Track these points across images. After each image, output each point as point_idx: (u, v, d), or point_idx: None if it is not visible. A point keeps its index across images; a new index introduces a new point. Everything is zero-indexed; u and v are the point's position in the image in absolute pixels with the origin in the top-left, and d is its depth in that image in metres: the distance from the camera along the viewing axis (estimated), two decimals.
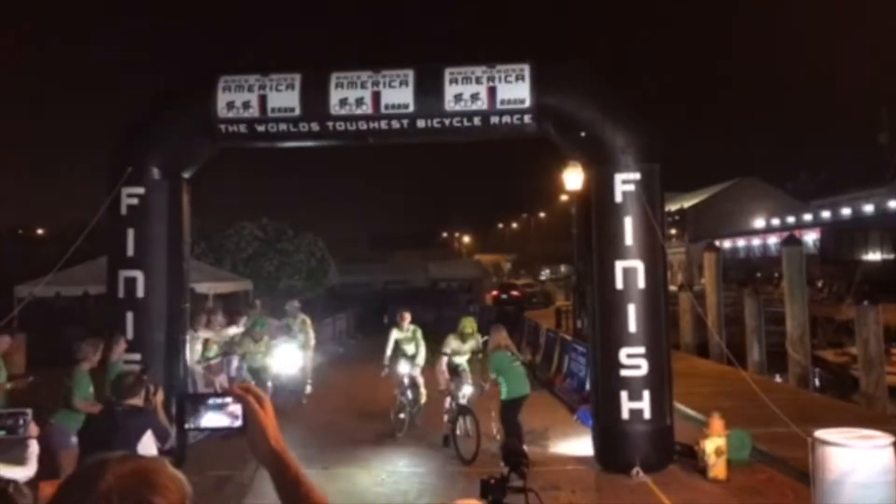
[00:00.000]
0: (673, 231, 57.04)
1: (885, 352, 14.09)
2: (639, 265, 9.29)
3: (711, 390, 13.44)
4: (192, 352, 11.67)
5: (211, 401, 1.68)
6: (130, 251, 9.83)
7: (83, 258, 15.52)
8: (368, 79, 9.62)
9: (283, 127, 9.78)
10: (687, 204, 63.23)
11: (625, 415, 9.12)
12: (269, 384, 12.49)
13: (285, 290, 26.29)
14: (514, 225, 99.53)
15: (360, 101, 9.57)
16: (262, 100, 9.67)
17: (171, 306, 9.98)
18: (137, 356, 9.23)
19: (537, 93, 9.48)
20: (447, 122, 9.63)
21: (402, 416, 11.27)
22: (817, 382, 17.40)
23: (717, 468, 8.64)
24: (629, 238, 9.32)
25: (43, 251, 24.58)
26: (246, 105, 9.68)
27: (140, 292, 9.78)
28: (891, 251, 40.90)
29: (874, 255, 42.12)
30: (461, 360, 10.94)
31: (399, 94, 9.56)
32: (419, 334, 11.86)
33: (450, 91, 9.52)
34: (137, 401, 5.73)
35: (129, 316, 9.69)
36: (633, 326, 9.21)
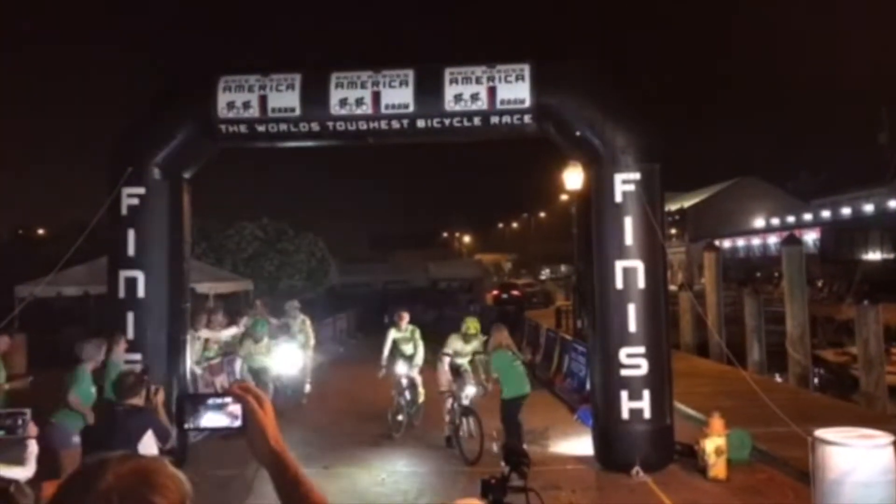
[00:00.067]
0: (673, 231, 57.04)
1: (885, 351, 14.10)
2: (639, 265, 9.29)
3: (711, 390, 13.44)
4: (193, 352, 11.68)
5: (210, 401, 1.68)
6: (131, 251, 9.84)
7: (83, 258, 15.52)
8: (368, 79, 9.63)
9: (283, 127, 9.79)
10: (687, 204, 63.24)
11: (625, 414, 9.12)
12: (271, 386, 12.47)
13: (286, 290, 26.29)
14: (515, 225, 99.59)
15: (360, 101, 9.58)
16: (263, 100, 9.67)
17: (171, 306, 9.99)
18: (138, 356, 9.23)
19: (537, 93, 9.48)
20: (447, 122, 9.63)
21: (399, 418, 11.19)
22: (817, 382, 17.40)
23: (718, 468, 8.64)
24: (629, 238, 9.32)
25: (43, 251, 24.59)
26: (246, 105, 9.69)
27: (140, 292, 9.78)
28: (891, 251, 40.88)
29: (874, 255, 42.10)
30: (463, 361, 10.84)
31: (399, 94, 9.57)
32: (417, 334, 11.83)
33: (450, 91, 9.53)
34: (138, 400, 5.74)
35: (130, 316, 9.70)
36: (633, 326, 9.21)
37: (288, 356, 13.36)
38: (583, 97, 9.74)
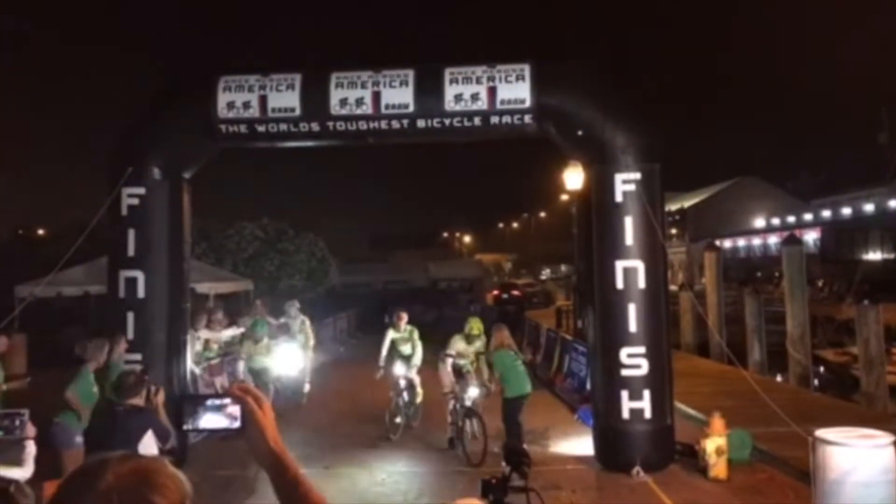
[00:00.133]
0: (673, 231, 57.04)
1: (885, 351, 14.09)
2: (639, 265, 9.29)
3: (712, 390, 13.43)
4: (192, 352, 11.67)
5: (210, 402, 1.68)
6: (131, 251, 9.84)
7: (83, 258, 15.52)
8: (369, 79, 9.62)
9: (283, 127, 9.79)
10: (687, 203, 63.23)
11: (625, 414, 9.12)
12: (271, 387, 12.45)
13: (286, 290, 26.30)
14: (515, 224, 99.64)
15: (360, 101, 9.58)
16: (263, 100, 9.67)
17: (171, 306, 9.99)
18: (138, 356, 9.23)
19: (537, 93, 9.48)
20: (447, 122, 9.63)
21: (398, 420, 11.09)
22: (817, 382, 17.39)
23: (718, 468, 8.64)
24: (629, 238, 9.32)
25: (43, 251, 24.58)
26: (246, 105, 9.69)
27: (141, 292, 9.78)
28: (891, 251, 40.88)
29: (874, 255, 42.11)
30: (466, 362, 10.73)
31: (399, 94, 9.56)
32: (416, 335, 11.76)
33: (450, 91, 9.53)
34: (138, 400, 5.74)
35: (130, 316, 9.70)
36: (633, 326, 9.21)
37: (288, 356, 13.33)
38: (583, 97, 9.74)
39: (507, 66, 9.61)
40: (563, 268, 70.91)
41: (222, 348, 14.13)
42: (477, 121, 9.62)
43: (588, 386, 11.48)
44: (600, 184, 9.63)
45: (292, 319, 14.50)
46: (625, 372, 9.17)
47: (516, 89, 9.49)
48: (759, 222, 60.85)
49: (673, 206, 57.87)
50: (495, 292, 44.86)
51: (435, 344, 11.62)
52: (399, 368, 11.34)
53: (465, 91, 9.51)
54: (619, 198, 9.39)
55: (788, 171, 73.27)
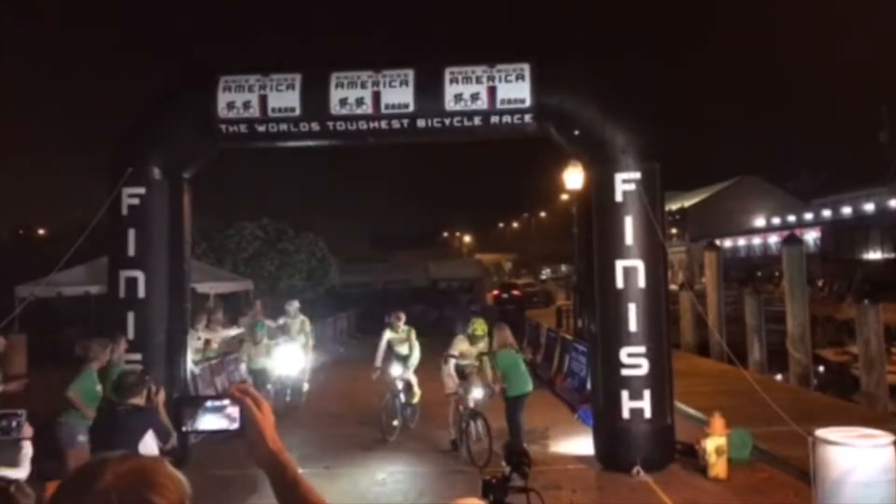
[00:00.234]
0: (673, 230, 57.02)
1: (885, 351, 14.09)
2: (639, 264, 9.29)
3: (712, 389, 13.44)
4: (192, 352, 11.67)
5: (208, 403, 1.68)
6: (131, 251, 9.84)
7: (84, 258, 15.53)
8: (368, 79, 9.62)
9: (283, 127, 9.78)
10: (687, 203, 63.23)
11: (625, 414, 9.12)
12: (270, 388, 12.44)
13: (286, 290, 26.33)
14: (515, 224, 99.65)
15: (360, 101, 9.58)
16: (263, 100, 9.67)
17: (171, 306, 9.99)
18: (138, 356, 9.23)
19: (537, 92, 9.48)
20: (447, 121, 9.63)
21: (395, 423, 11.00)
22: (818, 381, 17.39)
23: (718, 467, 8.64)
24: (630, 237, 9.32)
25: (43, 251, 24.59)
26: (246, 105, 9.69)
27: (141, 292, 9.78)
28: (891, 250, 40.86)
29: (875, 254, 42.10)
30: (469, 363, 10.54)
31: (399, 93, 9.56)
32: (413, 335, 11.65)
33: (450, 91, 9.53)
34: (139, 400, 5.75)
35: (130, 316, 9.70)
36: (633, 326, 9.21)
37: (288, 357, 13.31)
38: (583, 97, 9.74)
39: (506, 65, 9.61)
40: (564, 267, 70.92)
41: (222, 348, 14.13)
42: (477, 120, 9.62)
43: (588, 386, 11.47)
44: (600, 183, 9.63)
45: (292, 319, 14.45)
46: (625, 371, 9.17)
47: (516, 89, 9.49)
48: (760, 222, 60.85)
49: (673, 206, 57.87)
50: (495, 292, 44.86)
51: (436, 345, 11.58)
52: (396, 369, 11.23)
53: (465, 91, 9.51)
54: (619, 197, 9.39)
55: (789, 171, 73.21)
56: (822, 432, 6.80)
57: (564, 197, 26.60)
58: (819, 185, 64.62)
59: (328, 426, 12.05)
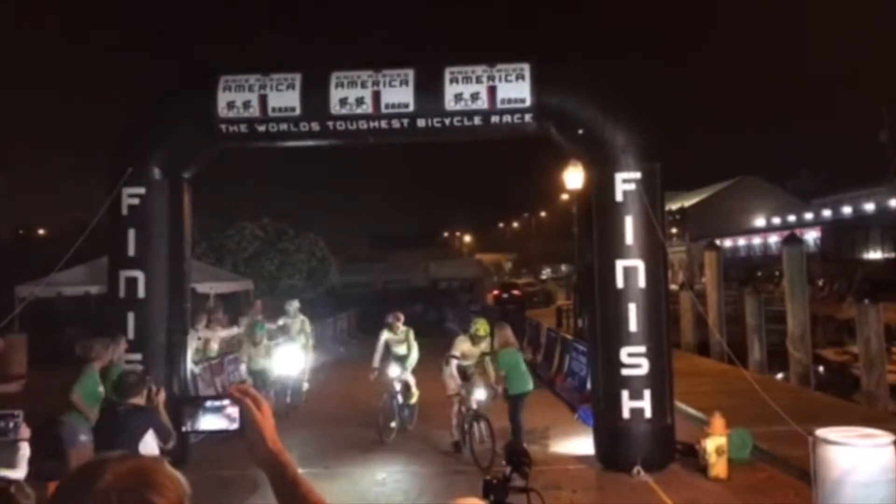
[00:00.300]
0: (674, 230, 57.04)
1: (886, 350, 14.09)
2: (639, 264, 9.28)
3: (712, 389, 13.44)
4: (193, 352, 11.67)
5: (208, 403, 1.68)
6: (131, 251, 9.84)
7: (84, 258, 15.53)
8: (369, 78, 9.62)
9: (283, 127, 9.78)
10: (688, 203, 63.24)
11: (626, 414, 9.12)
12: (270, 389, 12.41)
13: (286, 290, 26.33)
14: (515, 224, 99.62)
15: (360, 101, 9.58)
16: (263, 99, 9.67)
17: (171, 306, 9.98)
18: (138, 356, 9.24)
19: (538, 92, 9.47)
20: (447, 121, 9.62)
21: (392, 424, 10.93)
22: (818, 381, 17.39)
23: (719, 467, 8.64)
24: (630, 237, 9.31)
25: (43, 251, 24.59)
26: (246, 105, 9.68)
27: (141, 292, 9.78)
28: (892, 250, 40.86)
29: (875, 254, 42.11)
30: (471, 364, 10.47)
31: (399, 93, 9.56)
32: (412, 335, 11.57)
33: (450, 90, 9.52)
34: (139, 400, 5.74)
35: (130, 316, 9.69)
36: (633, 325, 9.21)
37: (288, 357, 13.26)
38: (583, 96, 9.74)
39: (507, 65, 9.61)
40: (564, 267, 70.92)
41: (222, 348, 14.12)
42: (477, 120, 9.61)
43: (588, 385, 11.47)
44: (601, 183, 9.63)
45: (292, 319, 14.41)
46: (625, 371, 9.17)
47: (516, 89, 9.49)
48: (760, 221, 60.85)
49: (673, 206, 57.88)
50: (495, 292, 44.87)
51: (437, 345, 11.55)
52: (394, 370, 11.15)
53: (465, 90, 9.51)
54: (619, 197, 9.39)
55: (789, 171, 73.22)
56: (822, 432, 6.80)
57: (565, 197, 26.62)
58: (819, 185, 64.64)
59: (328, 426, 12.04)
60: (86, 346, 7.93)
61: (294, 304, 14.71)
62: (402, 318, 11.76)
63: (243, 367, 13.10)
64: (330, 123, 9.73)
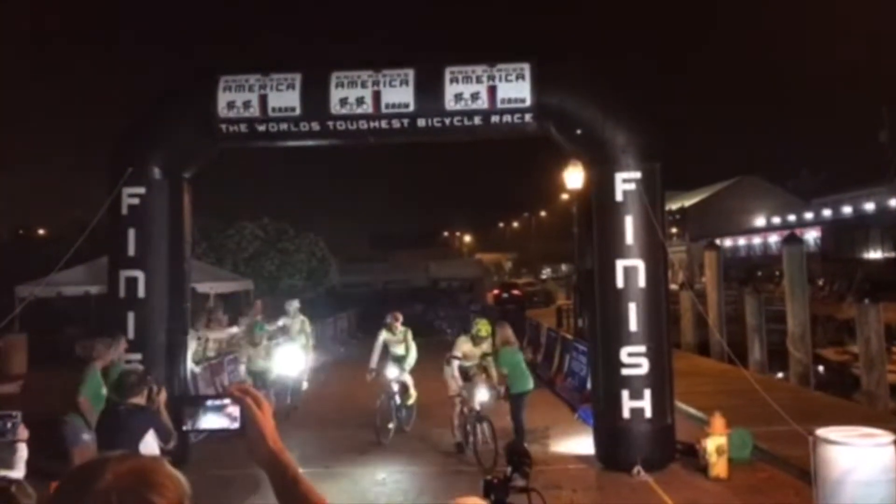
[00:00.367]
0: (674, 230, 57.02)
1: (886, 350, 14.08)
2: (640, 264, 9.28)
3: (712, 389, 13.44)
4: (193, 352, 11.67)
5: (209, 402, 1.68)
6: (131, 251, 9.84)
7: (84, 258, 15.52)
8: (369, 78, 9.62)
9: (283, 126, 9.78)
10: (688, 203, 63.23)
11: (626, 414, 9.12)
12: (271, 390, 12.39)
13: (286, 290, 26.33)
14: (515, 224, 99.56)
15: (360, 101, 9.58)
16: (263, 99, 9.67)
17: (172, 306, 9.99)
18: (138, 356, 9.24)
19: (538, 92, 9.47)
20: (447, 121, 9.62)
21: (390, 426, 10.87)
22: (818, 381, 17.39)
23: (719, 467, 8.64)
24: (630, 237, 9.32)
25: (43, 251, 24.59)
26: (247, 105, 9.69)
27: (141, 292, 9.78)
28: (892, 249, 40.86)
29: (875, 254, 42.11)
30: (472, 364, 10.42)
31: (399, 93, 9.56)
32: (410, 336, 11.52)
33: (450, 90, 9.52)
34: (140, 399, 5.74)
35: (130, 316, 9.70)
36: (633, 325, 9.21)
37: (288, 357, 13.22)
38: (583, 96, 9.74)
39: (507, 65, 9.61)
40: (564, 267, 70.90)
41: (223, 348, 14.11)
42: (477, 120, 9.61)
43: (588, 385, 11.47)
44: (601, 183, 9.63)
45: (292, 319, 14.39)
46: (625, 371, 9.17)
47: (516, 88, 9.49)
48: (760, 221, 60.86)
49: (673, 206, 57.86)
50: (496, 292, 44.85)
51: (433, 344, 11.54)
52: (392, 371, 11.10)
53: (465, 90, 9.51)
54: (619, 197, 9.39)
55: (789, 170, 73.22)
56: (822, 432, 6.80)
57: (565, 196, 26.62)
58: (819, 185, 64.62)
59: (328, 427, 12.03)
60: (88, 346, 7.95)
61: (294, 304, 14.68)
62: (400, 318, 11.71)
63: (242, 368, 13.08)
64: (330, 123, 9.73)
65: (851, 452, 6.55)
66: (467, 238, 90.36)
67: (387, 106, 9.57)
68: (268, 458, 1.61)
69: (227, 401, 1.66)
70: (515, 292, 43.67)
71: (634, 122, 9.71)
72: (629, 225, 9.32)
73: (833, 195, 58.31)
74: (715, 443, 8.67)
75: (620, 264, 9.31)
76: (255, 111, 9.68)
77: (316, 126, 9.79)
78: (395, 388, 11.13)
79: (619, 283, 9.29)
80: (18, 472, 5.17)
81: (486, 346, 10.48)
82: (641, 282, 9.26)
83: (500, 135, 10.28)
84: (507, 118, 9.59)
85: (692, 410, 11.51)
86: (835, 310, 24.64)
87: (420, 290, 40.58)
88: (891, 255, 40.38)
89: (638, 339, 9.21)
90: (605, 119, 9.52)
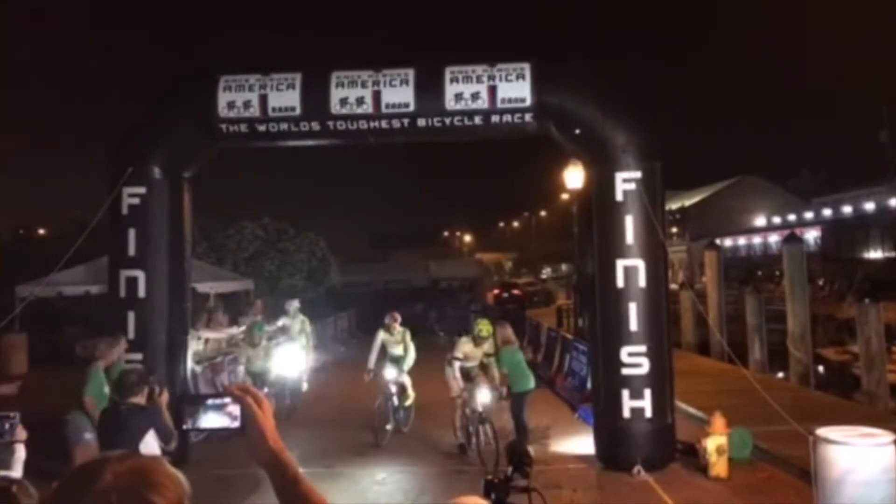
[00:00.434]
0: (674, 229, 57.00)
1: (886, 350, 14.07)
2: (640, 264, 9.28)
3: (713, 388, 13.44)
4: (193, 352, 11.66)
5: (210, 401, 1.68)
6: (132, 251, 9.84)
7: (84, 258, 15.52)
8: (369, 78, 9.62)
9: (283, 126, 9.78)
10: (688, 202, 63.20)
11: (626, 413, 9.12)
12: (271, 392, 12.36)
13: (286, 290, 26.32)
14: (516, 224, 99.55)
15: (360, 101, 9.57)
16: (263, 99, 9.67)
17: (172, 306, 9.98)
18: (139, 356, 9.23)
19: (538, 91, 9.47)
20: (448, 121, 9.62)
21: (388, 427, 10.81)
22: (818, 381, 17.38)
23: (719, 466, 8.64)
24: (630, 237, 9.31)
25: (44, 251, 24.61)
26: (247, 105, 9.68)
27: (141, 292, 9.78)
28: (892, 249, 40.85)
29: (875, 253, 42.10)
30: (474, 365, 10.37)
31: (399, 93, 9.56)
32: (408, 336, 11.45)
33: (450, 90, 9.52)
34: (140, 399, 5.74)
35: (131, 316, 9.70)
36: (634, 325, 9.20)
37: (288, 358, 13.19)
38: (583, 96, 9.73)
39: (507, 64, 9.60)
40: (564, 267, 70.89)
41: (223, 348, 14.10)
42: (477, 120, 9.61)
43: (589, 385, 11.46)
44: (601, 182, 9.63)
45: (291, 319, 14.37)
46: (625, 371, 9.17)
47: (516, 88, 9.48)
48: (760, 221, 60.83)
49: (673, 205, 57.84)
50: (496, 291, 44.83)
51: (433, 344, 11.53)
52: (390, 372, 11.03)
53: (465, 90, 9.50)
54: (619, 196, 9.39)
55: (789, 170, 73.21)
56: (822, 431, 6.80)
57: (565, 196, 26.64)
58: (819, 185, 64.61)
59: (328, 428, 12.01)
60: (90, 346, 7.96)
61: (294, 304, 14.66)
62: (398, 318, 11.64)
63: (241, 370, 13.06)
64: (330, 123, 9.73)
65: (852, 452, 6.55)
66: (467, 238, 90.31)
67: (387, 106, 9.56)
68: (268, 457, 1.61)
69: (227, 400, 1.66)
70: (515, 292, 43.65)
71: (634, 122, 9.70)
72: (629, 224, 9.32)
73: (833, 195, 58.30)
74: (715, 442, 8.67)
75: (621, 264, 9.30)
76: (255, 111, 9.68)
77: (316, 126, 9.78)
78: (393, 389, 11.07)
79: (620, 282, 9.29)
80: (16, 474, 5.16)
81: (487, 347, 10.41)
82: (642, 281, 9.25)
83: (500, 135, 10.28)
84: (507, 118, 9.59)
85: (692, 410, 11.51)
86: (835, 309, 24.64)
87: (420, 290, 40.56)
88: (891, 254, 40.37)
89: (638, 339, 9.20)
90: (606, 118, 9.51)
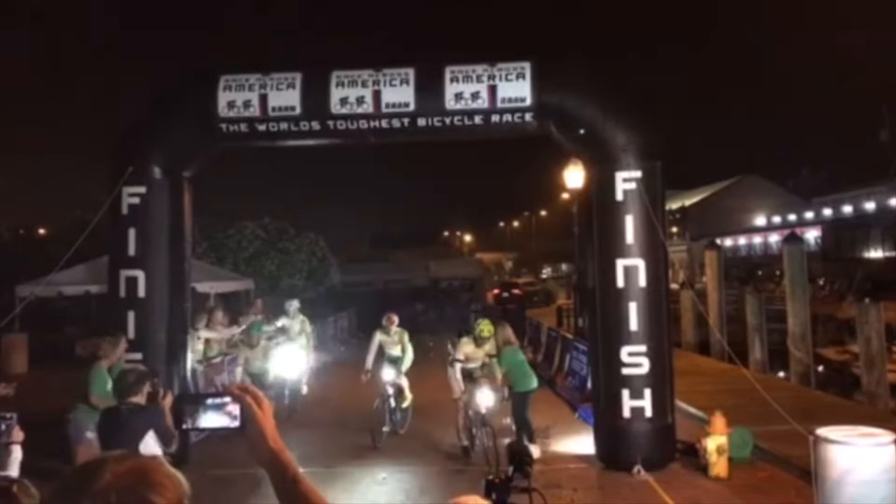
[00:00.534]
0: (674, 229, 56.97)
1: (886, 350, 14.07)
2: (640, 263, 9.28)
3: (713, 388, 13.43)
4: (193, 351, 11.65)
5: (209, 401, 1.67)
6: (132, 251, 9.84)
7: (84, 258, 15.53)
8: (369, 77, 9.62)
9: (283, 126, 9.78)
10: (688, 202, 63.20)
11: (626, 413, 9.11)
12: (270, 393, 12.33)
13: (287, 290, 26.31)
14: (516, 223, 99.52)
15: (360, 100, 9.57)
16: (263, 99, 9.66)
17: (172, 306, 9.98)
18: (139, 356, 9.22)
19: (538, 91, 9.47)
20: (448, 120, 9.62)
21: (385, 429, 10.76)
22: (818, 380, 17.37)
23: (719, 466, 8.64)
24: (630, 236, 9.31)
25: (44, 251, 24.60)
26: (247, 104, 9.68)
27: (141, 292, 9.78)
28: (892, 248, 40.83)
29: (876, 253, 42.08)
30: (475, 366, 10.32)
31: (400, 92, 9.55)
32: (406, 337, 11.38)
33: (450, 90, 9.51)
34: (140, 399, 5.74)
35: (131, 315, 9.70)
36: (634, 325, 9.20)
37: (288, 358, 13.16)
38: (583, 95, 9.73)
39: (507, 64, 9.60)
40: (564, 266, 70.88)
41: (223, 347, 14.09)
42: (477, 119, 9.61)
43: (589, 385, 11.46)
44: (601, 182, 9.62)
45: (291, 319, 14.34)
46: (626, 371, 9.17)
47: (517, 88, 9.48)
48: (760, 220, 60.81)
49: (674, 205, 57.85)
50: (496, 291, 44.81)
51: (437, 344, 11.52)
52: (387, 374, 10.96)
53: (465, 89, 9.50)
54: (619, 196, 9.38)
55: (789, 170, 73.15)
56: (823, 431, 6.80)
57: (565, 196, 26.58)
58: (820, 184, 64.57)
59: (329, 426, 12.02)
60: (91, 345, 7.96)
61: (294, 304, 14.60)
62: (396, 320, 11.57)
63: (239, 370, 13.05)
64: (330, 123, 9.72)
65: (852, 452, 6.55)
66: (467, 237, 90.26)
67: (387, 105, 9.56)
68: (268, 456, 1.61)
69: (227, 399, 1.65)
70: (516, 292, 43.61)
71: (635, 121, 9.70)
72: (629, 224, 9.32)
73: (833, 194, 58.30)
74: (715, 442, 8.67)
75: (621, 263, 9.30)
76: (255, 111, 9.67)
77: (316, 125, 9.78)
78: (390, 390, 11.02)
79: (620, 282, 9.28)
80: (13, 474, 5.15)
81: (489, 347, 10.36)
82: (642, 281, 9.25)
83: (500, 134, 10.27)
84: (507, 117, 9.58)
85: (692, 410, 11.51)
86: (835, 309, 24.60)
87: (421, 290, 40.56)
88: (891, 254, 40.34)
89: (638, 339, 9.20)
90: (606, 118, 9.51)
